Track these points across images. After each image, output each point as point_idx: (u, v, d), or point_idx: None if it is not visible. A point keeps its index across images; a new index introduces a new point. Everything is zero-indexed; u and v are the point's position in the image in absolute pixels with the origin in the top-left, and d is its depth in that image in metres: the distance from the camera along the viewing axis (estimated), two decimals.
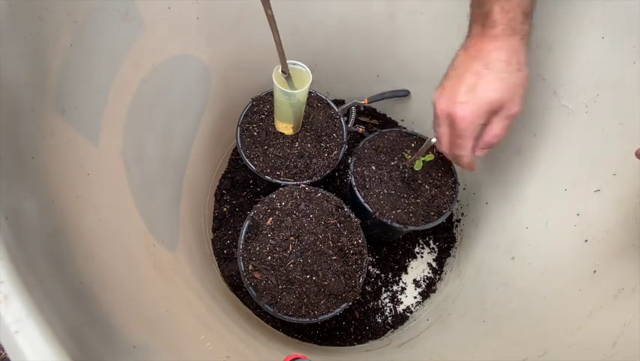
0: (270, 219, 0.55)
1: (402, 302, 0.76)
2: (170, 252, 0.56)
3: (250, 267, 0.52)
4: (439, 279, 0.79)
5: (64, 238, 0.36)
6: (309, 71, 0.56)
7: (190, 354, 0.45)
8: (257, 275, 0.52)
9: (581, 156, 0.54)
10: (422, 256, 0.80)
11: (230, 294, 0.71)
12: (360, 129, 0.87)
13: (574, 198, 0.55)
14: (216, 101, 0.73)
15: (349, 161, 0.64)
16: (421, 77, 0.77)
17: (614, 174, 0.50)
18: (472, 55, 0.48)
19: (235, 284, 0.71)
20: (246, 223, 0.55)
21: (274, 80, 0.53)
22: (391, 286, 0.77)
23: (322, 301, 0.52)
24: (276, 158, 0.63)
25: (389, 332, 0.73)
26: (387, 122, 0.91)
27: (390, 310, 0.75)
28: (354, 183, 0.61)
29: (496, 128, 0.48)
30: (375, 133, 0.68)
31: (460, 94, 0.47)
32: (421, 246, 0.81)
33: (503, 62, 0.46)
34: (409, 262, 0.79)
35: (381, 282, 0.77)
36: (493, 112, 0.47)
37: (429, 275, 0.79)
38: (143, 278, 0.47)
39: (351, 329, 0.72)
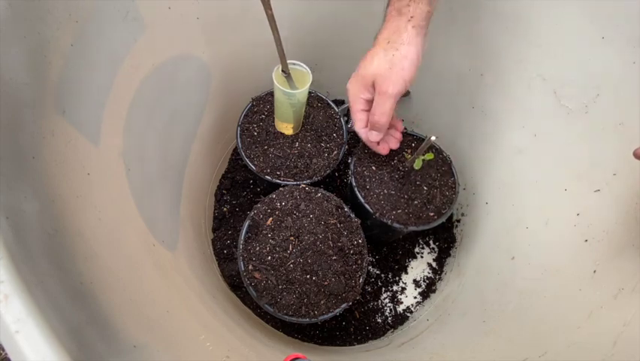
0: (270, 219, 0.55)
1: (402, 302, 0.76)
2: (170, 252, 0.56)
3: (250, 267, 0.52)
4: (439, 279, 0.79)
5: (64, 238, 0.36)
6: (309, 71, 0.56)
7: (190, 354, 0.45)
8: (257, 275, 0.52)
9: (581, 156, 0.54)
10: (422, 256, 0.80)
11: (231, 294, 0.71)
12: None
13: (574, 198, 0.55)
14: (216, 101, 0.73)
15: (349, 161, 0.64)
16: (421, 76, 0.77)
17: (614, 174, 0.50)
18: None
19: (235, 284, 0.71)
20: (246, 223, 0.55)
21: (274, 80, 0.53)
22: (391, 286, 0.77)
23: (322, 301, 0.52)
24: (276, 158, 0.63)
25: (389, 332, 0.73)
26: None
27: (390, 310, 0.75)
28: (354, 184, 0.61)
29: (374, 106, 0.50)
30: None
31: (354, 72, 0.52)
32: (421, 246, 0.81)
33: (385, 40, 0.48)
34: (409, 262, 0.79)
35: (381, 282, 0.77)
36: (370, 87, 0.50)
37: (429, 275, 0.79)
38: (143, 278, 0.47)
39: (351, 329, 0.72)
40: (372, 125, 0.52)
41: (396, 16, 0.47)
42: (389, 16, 0.48)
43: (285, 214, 0.55)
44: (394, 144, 0.59)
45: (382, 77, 0.47)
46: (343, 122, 0.68)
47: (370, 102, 0.51)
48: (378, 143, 0.57)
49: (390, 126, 0.60)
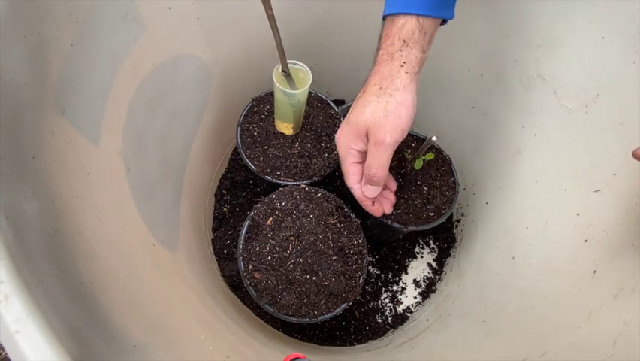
0: (270, 219, 0.55)
1: (402, 302, 0.76)
2: (170, 252, 0.56)
3: (250, 267, 0.52)
4: (439, 279, 0.79)
5: (64, 238, 0.36)
6: (309, 71, 0.56)
7: (190, 354, 0.45)
8: (257, 275, 0.52)
9: (581, 156, 0.54)
10: (422, 256, 0.80)
11: (231, 294, 0.71)
12: None
13: (574, 198, 0.55)
14: (216, 101, 0.73)
15: None
16: (421, 77, 0.77)
17: (614, 174, 0.50)
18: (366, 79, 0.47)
19: (235, 284, 0.71)
20: (246, 223, 0.55)
21: (274, 80, 0.53)
22: (391, 286, 0.77)
23: (322, 301, 0.52)
24: (276, 158, 0.63)
25: (389, 332, 0.73)
26: None
27: (390, 310, 0.75)
28: None
29: (370, 158, 0.45)
30: None
31: (344, 120, 0.48)
32: (421, 246, 0.81)
33: (376, 86, 0.44)
34: (409, 262, 0.79)
35: (381, 282, 0.77)
36: (363, 137, 0.45)
37: (429, 275, 0.79)
38: (143, 278, 0.47)
39: (351, 329, 0.72)
40: (369, 180, 0.47)
41: (388, 60, 0.43)
42: (380, 60, 0.44)
43: (285, 214, 0.55)
44: (388, 208, 0.55)
45: (377, 125, 0.43)
46: None
47: (363, 154, 0.47)
48: (373, 202, 0.52)
49: (384, 187, 0.55)
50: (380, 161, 0.45)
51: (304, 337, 0.70)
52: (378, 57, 0.45)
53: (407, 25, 0.43)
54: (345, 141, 0.47)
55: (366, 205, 0.53)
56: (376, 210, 0.53)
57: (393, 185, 0.58)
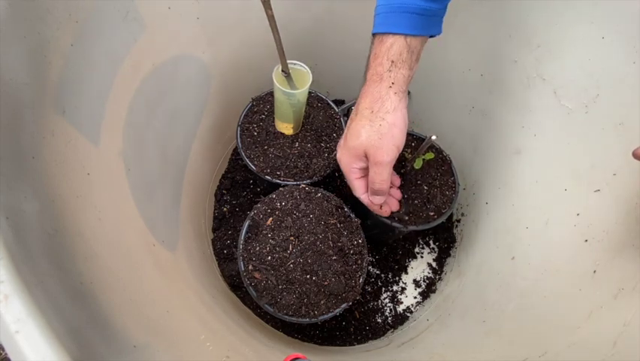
0: (270, 219, 0.55)
1: (402, 302, 0.76)
2: (170, 252, 0.56)
3: (250, 267, 0.52)
4: (439, 279, 0.79)
5: (64, 238, 0.36)
6: (309, 71, 0.56)
7: (190, 354, 0.45)
8: (257, 275, 0.52)
9: (581, 156, 0.54)
10: (422, 256, 0.80)
11: (231, 294, 0.71)
12: None
13: (574, 198, 0.55)
14: (216, 101, 0.73)
15: None
16: (421, 77, 0.77)
17: (614, 174, 0.50)
18: (357, 99, 0.49)
19: (235, 284, 0.71)
20: (246, 223, 0.55)
21: (274, 80, 0.53)
22: (391, 286, 0.77)
23: (322, 301, 0.52)
24: (276, 158, 0.63)
25: (389, 332, 0.73)
26: None
27: (390, 310, 0.75)
28: None
29: (372, 176, 0.49)
30: None
31: (341, 141, 0.51)
32: (421, 246, 0.81)
33: (367, 110, 0.46)
34: (409, 262, 0.79)
35: (381, 282, 0.77)
36: (362, 157, 0.49)
37: (429, 275, 0.79)
38: (143, 278, 0.47)
39: (351, 329, 0.72)
40: (374, 192, 0.51)
41: (378, 81, 0.45)
42: (369, 82, 0.46)
43: (285, 214, 0.55)
44: (395, 206, 0.58)
45: (374, 148, 0.46)
46: (343, 122, 0.68)
47: (365, 170, 0.51)
48: (381, 206, 0.56)
49: (392, 185, 0.59)
50: (382, 177, 0.48)
51: (304, 337, 0.70)
52: (367, 76, 0.47)
53: (395, 46, 0.44)
54: (347, 162, 0.50)
55: (375, 210, 0.56)
56: (384, 212, 0.57)
57: (397, 180, 0.60)
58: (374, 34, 0.46)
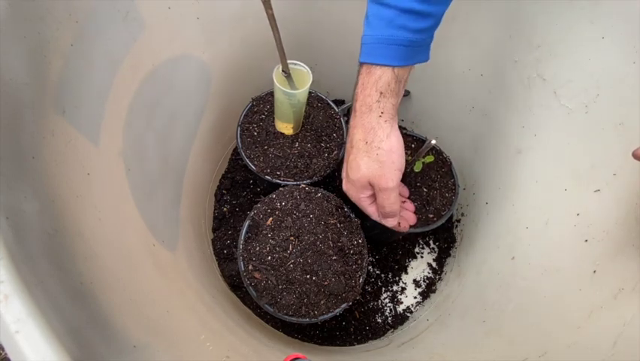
0: (270, 219, 0.55)
1: (402, 302, 0.76)
2: (170, 252, 0.56)
3: (250, 267, 0.52)
4: (439, 279, 0.79)
5: (64, 238, 0.36)
6: (310, 71, 0.56)
7: (190, 354, 0.45)
8: (257, 275, 0.52)
9: (581, 156, 0.54)
10: (422, 256, 0.80)
11: (231, 294, 0.71)
12: None
13: (574, 198, 0.55)
14: (216, 101, 0.73)
15: None
16: (420, 77, 0.77)
17: (614, 174, 0.50)
18: (349, 130, 0.50)
19: (235, 284, 0.71)
20: (246, 223, 0.55)
21: (274, 80, 0.53)
22: (391, 286, 0.77)
23: (322, 301, 0.52)
24: (276, 158, 0.63)
25: (389, 332, 0.73)
26: None
27: (390, 310, 0.75)
28: None
29: (381, 202, 0.50)
30: None
31: (343, 173, 0.53)
32: (421, 246, 0.81)
33: (362, 142, 0.47)
34: (409, 262, 0.79)
35: (381, 282, 0.77)
36: (368, 186, 0.50)
37: (429, 275, 0.79)
38: (143, 278, 0.47)
39: (351, 329, 0.72)
40: (386, 216, 0.52)
41: (367, 112, 0.46)
42: (359, 113, 0.47)
43: (285, 214, 0.55)
44: (412, 219, 0.59)
45: (377, 177, 0.47)
46: (343, 122, 0.68)
47: (374, 195, 0.51)
48: (399, 223, 0.57)
49: (404, 199, 0.61)
50: (389, 201, 0.49)
51: (304, 337, 0.70)
52: (356, 107, 0.47)
53: (383, 78, 0.45)
54: (354, 194, 0.52)
55: (394, 228, 0.56)
56: (403, 228, 0.57)
57: (406, 192, 0.61)
58: (361, 63, 0.47)
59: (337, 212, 0.57)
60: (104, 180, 0.46)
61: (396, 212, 0.51)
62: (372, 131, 0.46)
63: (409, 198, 0.62)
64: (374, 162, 0.47)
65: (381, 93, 0.45)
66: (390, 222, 0.53)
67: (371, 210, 0.53)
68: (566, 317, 0.49)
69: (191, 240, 0.67)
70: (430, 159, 0.60)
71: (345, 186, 0.53)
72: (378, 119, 0.46)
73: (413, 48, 0.44)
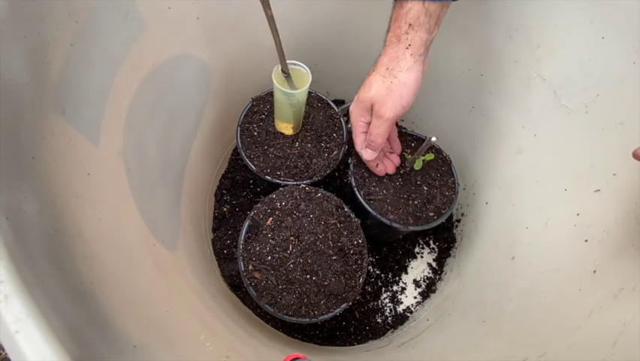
0: (270, 219, 0.55)
1: (402, 302, 0.76)
2: (170, 252, 0.56)
3: (250, 267, 0.52)
4: (439, 279, 0.79)
5: (64, 238, 0.36)
6: (309, 71, 0.56)
7: (190, 354, 0.45)
8: (257, 275, 0.52)
9: (581, 156, 0.54)
10: (422, 256, 0.80)
11: (231, 294, 0.71)
12: None
13: (574, 198, 0.55)
14: (216, 101, 0.73)
15: (349, 161, 0.64)
16: None
17: (614, 174, 0.50)
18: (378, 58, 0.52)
19: (235, 284, 0.71)
20: (246, 223, 0.55)
21: (274, 80, 0.53)
22: (391, 286, 0.77)
23: (322, 301, 0.52)
24: (276, 158, 0.63)
25: (389, 332, 0.73)
26: None
27: (390, 310, 0.75)
28: (354, 184, 0.61)
29: (371, 127, 0.53)
30: None
31: (356, 96, 0.54)
32: (421, 246, 0.81)
33: (383, 67, 0.49)
34: (409, 262, 0.79)
35: (381, 282, 0.77)
36: (370, 110, 0.52)
37: (429, 275, 0.79)
38: (143, 278, 0.47)
39: (351, 329, 0.72)
40: (368, 144, 0.54)
41: (396, 43, 0.48)
42: (388, 42, 0.49)
43: (285, 214, 0.55)
44: (391, 169, 0.62)
45: (380, 103, 0.49)
46: (343, 122, 0.68)
47: (369, 125, 0.54)
48: (377, 165, 0.60)
49: (390, 150, 0.63)
50: (379, 130, 0.52)
51: (304, 337, 0.70)
52: (387, 39, 0.49)
53: (413, 10, 0.46)
54: (356, 114, 0.54)
55: (371, 166, 0.59)
56: (379, 171, 0.60)
57: (399, 147, 0.64)
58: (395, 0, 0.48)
59: (337, 212, 0.57)
60: (104, 180, 0.46)
61: (378, 146, 0.54)
62: (395, 59, 0.48)
63: (409, 198, 0.62)
64: (385, 88, 0.49)
65: (410, 25, 0.46)
66: (368, 154, 0.55)
67: (360, 138, 0.55)
68: (566, 317, 0.49)
69: (191, 240, 0.67)
70: (430, 157, 0.60)
71: (352, 106, 0.55)
72: (405, 51, 0.47)
73: None
